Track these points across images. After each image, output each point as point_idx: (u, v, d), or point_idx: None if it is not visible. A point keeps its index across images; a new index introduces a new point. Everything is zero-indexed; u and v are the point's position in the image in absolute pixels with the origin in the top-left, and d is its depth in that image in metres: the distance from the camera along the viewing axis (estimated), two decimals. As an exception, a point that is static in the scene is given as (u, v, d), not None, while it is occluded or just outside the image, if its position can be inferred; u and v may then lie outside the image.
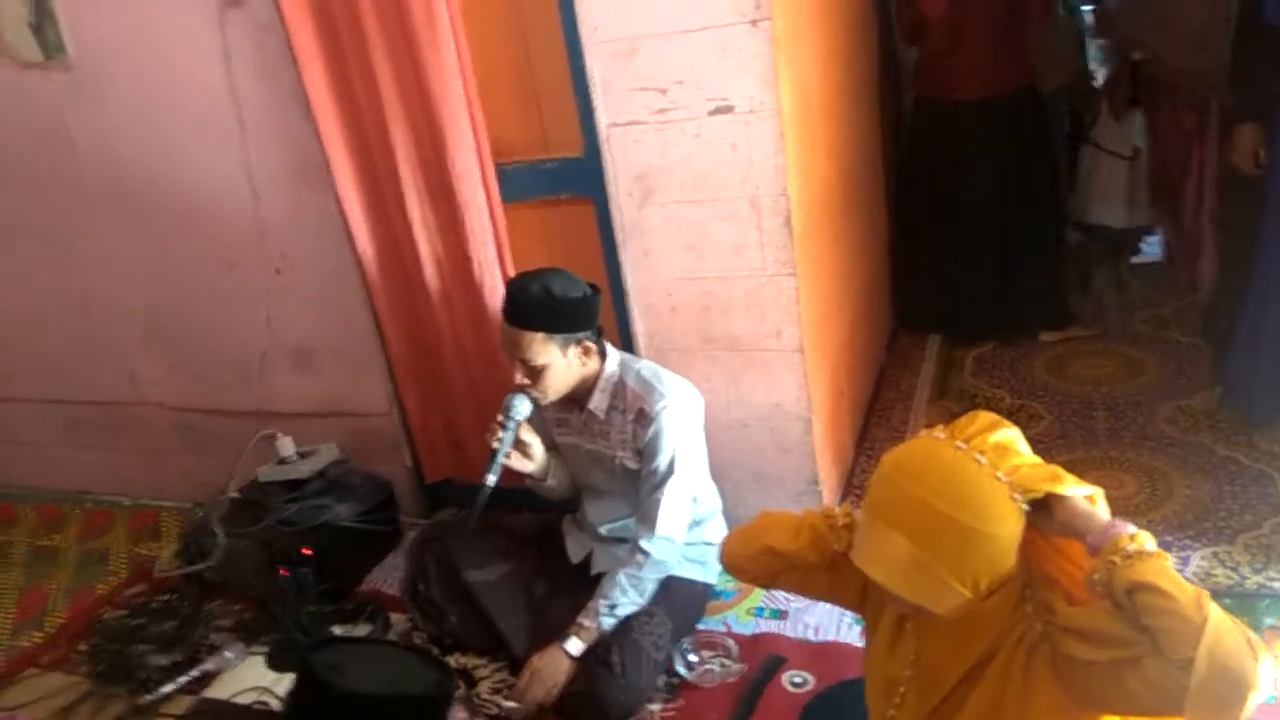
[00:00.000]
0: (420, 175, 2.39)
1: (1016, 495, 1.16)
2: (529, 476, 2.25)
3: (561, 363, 2.04)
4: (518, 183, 2.43)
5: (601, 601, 2.05)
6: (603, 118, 2.24)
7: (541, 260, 2.50)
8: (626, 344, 2.46)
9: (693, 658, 2.13)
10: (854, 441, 2.89)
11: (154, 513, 3.13)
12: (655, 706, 2.05)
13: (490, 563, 2.27)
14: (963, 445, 1.18)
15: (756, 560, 1.48)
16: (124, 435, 3.21)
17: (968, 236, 3.32)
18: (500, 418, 2.11)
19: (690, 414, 2.13)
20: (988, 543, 1.14)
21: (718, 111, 2.14)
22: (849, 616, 2.18)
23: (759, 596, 2.32)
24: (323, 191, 2.50)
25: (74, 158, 2.77)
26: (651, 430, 2.06)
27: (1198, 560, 2.22)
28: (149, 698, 2.24)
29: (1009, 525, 1.16)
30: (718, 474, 2.32)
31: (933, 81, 3.32)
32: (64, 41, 2.62)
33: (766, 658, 2.12)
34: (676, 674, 2.11)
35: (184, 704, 2.24)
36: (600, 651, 2.03)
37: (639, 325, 2.43)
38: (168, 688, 2.26)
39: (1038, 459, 1.24)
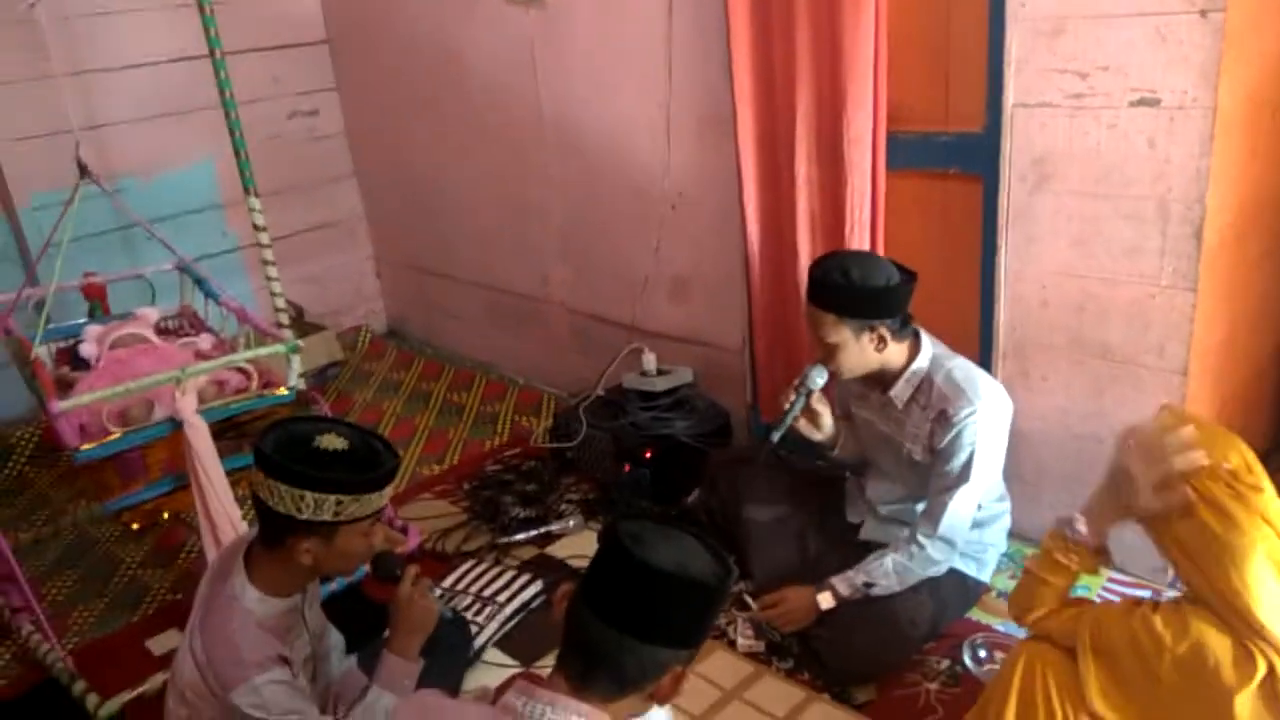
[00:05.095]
0: (814, 135, 2.49)
1: None
2: (822, 443, 2.34)
3: (854, 345, 2.07)
4: (909, 152, 2.45)
5: (862, 577, 2.12)
6: (1010, 95, 2.18)
7: (917, 231, 2.53)
8: (986, 332, 2.41)
9: (983, 653, 2.10)
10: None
11: (538, 393, 3.66)
12: (933, 686, 2.07)
13: (772, 501, 2.42)
14: None
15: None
16: (528, 325, 3.76)
17: None
18: (795, 383, 2.22)
19: (997, 425, 2.07)
20: None
21: (1141, 103, 2.00)
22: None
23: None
24: (725, 141, 2.71)
25: (534, 84, 3.26)
26: (952, 434, 2.04)
27: None
28: (505, 539, 2.69)
29: None
30: (1040, 478, 2.23)
31: None
32: (543, -17, 3.08)
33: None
34: (964, 665, 2.11)
35: (530, 552, 2.66)
36: (854, 608, 2.10)
37: (1003, 314, 2.36)
38: (520, 535, 2.70)
39: None
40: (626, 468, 2.85)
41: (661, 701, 1.24)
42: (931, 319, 2.29)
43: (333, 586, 2.29)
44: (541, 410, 3.52)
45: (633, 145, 3.03)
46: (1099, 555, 1.56)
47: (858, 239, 2.49)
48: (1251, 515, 1.36)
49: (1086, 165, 2.11)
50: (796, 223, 2.61)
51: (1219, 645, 1.35)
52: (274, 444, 1.50)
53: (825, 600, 2.15)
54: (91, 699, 2.13)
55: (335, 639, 1.87)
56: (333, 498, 1.48)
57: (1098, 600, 2.09)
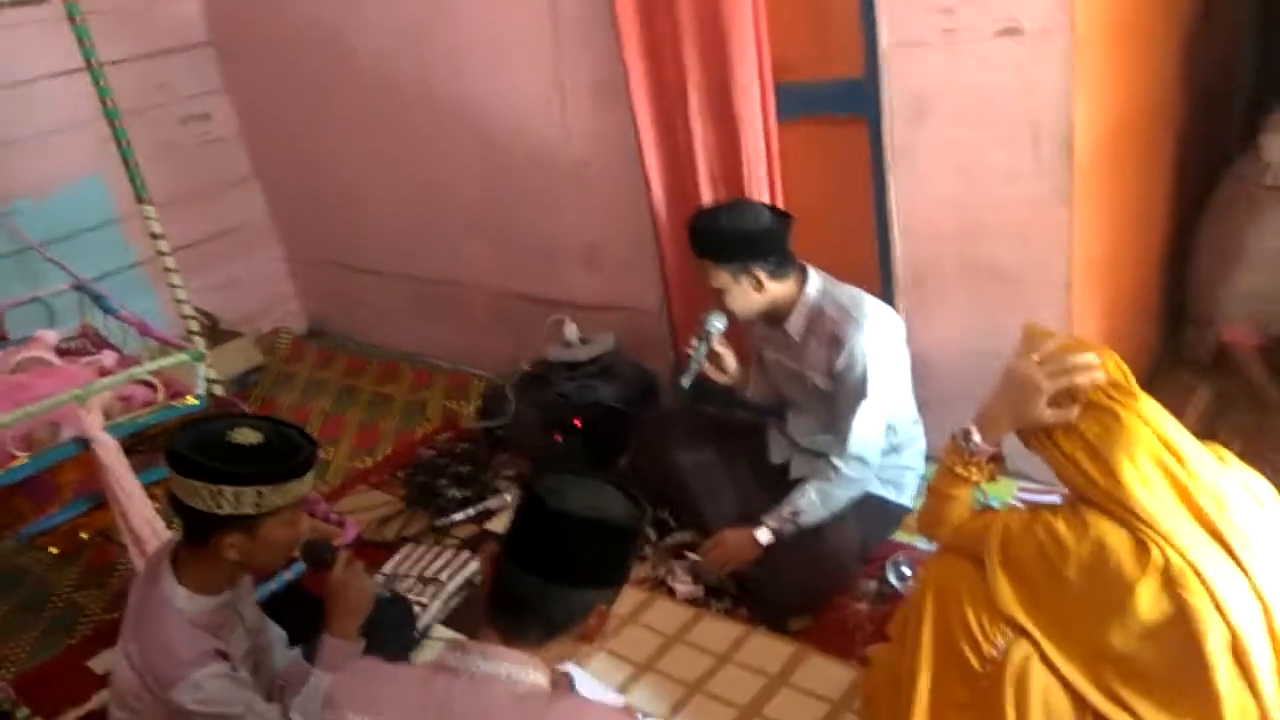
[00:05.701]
0: (704, 92, 2.54)
1: None
2: (732, 386, 2.44)
3: (736, 288, 2.18)
4: (797, 101, 2.52)
5: (788, 508, 2.21)
6: (885, 37, 2.25)
7: (814, 177, 2.61)
8: (885, 266, 2.50)
9: (906, 570, 2.21)
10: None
11: (466, 377, 3.67)
12: (863, 606, 2.18)
13: (697, 449, 2.50)
14: None
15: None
16: (449, 309, 3.76)
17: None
18: (696, 330, 2.33)
19: (886, 341, 2.17)
20: None
21: (1005, 33, 2.09)
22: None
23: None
24: (619, 105, 2.74)
25: (425, 64, 3.24)
26: (845, 355, 2.14)
27: None
28: (443, 521, 2.72)
29: None
30: (948, 401, 2.33)
31: None
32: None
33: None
34: (889, 584, 2.21)
35: (470, 531, 2.69)
36: (785, 544, 2.19)
37: (899, 248, 2.46)
38: (458, 516, 2.73)
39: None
40: (557, 437, 2.89)
41: (590, 640, 1.30)
42: (834, 259, 2.38)
43: (273, 586, 2.29)
44: (471, 393, 3.53)
45: (530, 117, 3.04)
46: (996, 463, 1.65)
47: (757, 190, 2.55)
48: (1132, 417, 1.46)
49: (961, 98, 2.20)
50: (698, 180, 2.67)
51: (1117, 540, 1.42)
52: (188, 444, 1.51)
53: (763, 535, 2.23)
54: (36, 723, 2.12)
55: (276, 633, 1.89)
56: (252, 490, 1.49)
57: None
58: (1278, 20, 3.08)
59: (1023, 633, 1.50)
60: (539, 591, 1.24)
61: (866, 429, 2.18)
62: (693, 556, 2.38)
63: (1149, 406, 1.48)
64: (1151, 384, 2.70)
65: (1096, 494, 1.46)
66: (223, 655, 1.58)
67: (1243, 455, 2.58)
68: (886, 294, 2.49)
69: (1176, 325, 2.96)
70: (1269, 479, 2.45)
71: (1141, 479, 1.43)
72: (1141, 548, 1.41)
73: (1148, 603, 1.40)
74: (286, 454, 1.54)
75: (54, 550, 2.57)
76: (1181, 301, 2.90)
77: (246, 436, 1.52)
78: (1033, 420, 1.51)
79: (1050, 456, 1.53)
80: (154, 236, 2.54)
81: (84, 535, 2.29)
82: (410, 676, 1.25)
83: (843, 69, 2.42)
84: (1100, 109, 2.19)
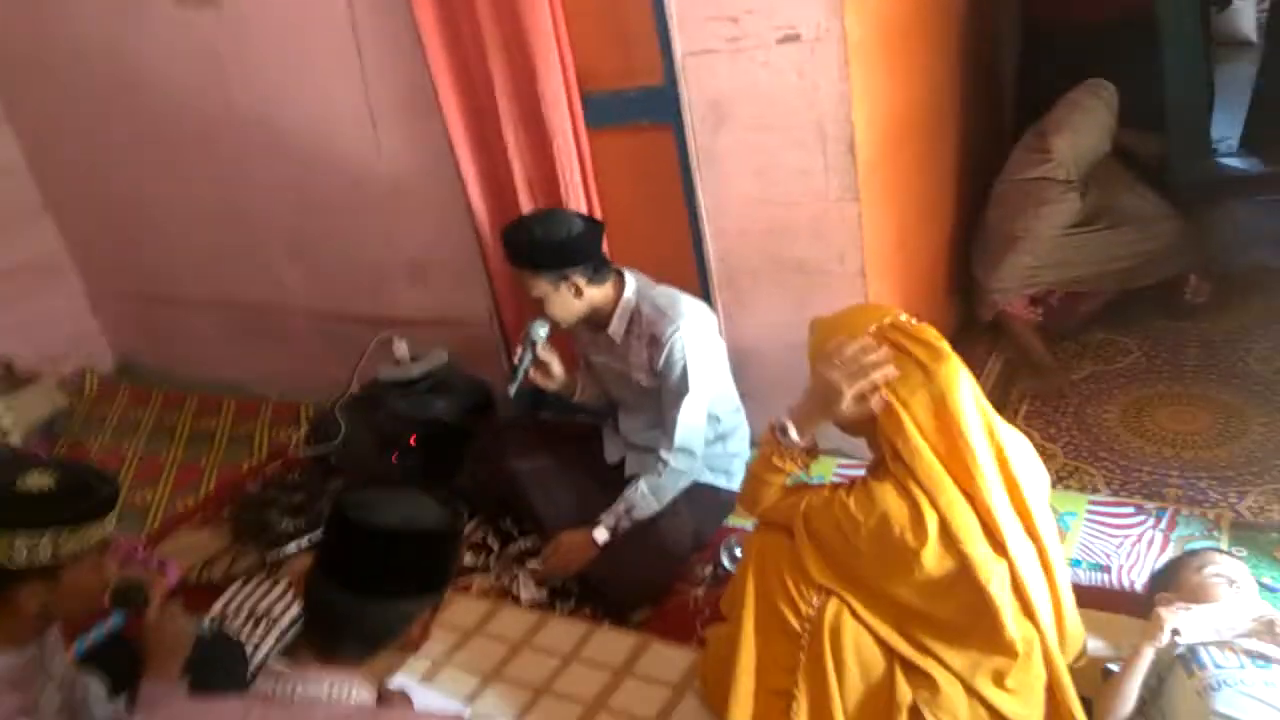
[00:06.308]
0: (514, 104, 2.59)
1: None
2: (560, 391, 2.49)
3: (555, 295, 2.25)
4: (605, 110, 2.59)
5: (623, 505, 2.29)
6: (679, 47, 2.36)
7: (628, 183, 2.68)
8: (700, 266, 2.61)
9: (738, 551, 2.31)
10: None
11: (295, 405, 3.54)
12: (699, 591, 2.26)
13: (534, 455, 2.54)
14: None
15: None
16: (271, 336, 3.63)
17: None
18: (521, 338, 2.38)
19: (702, 337, 2.28)
20: None
21: (786, 40, 2.23)
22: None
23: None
24: (432, 119, 2.74)
25: (223, 87, 3.13)
26: (664, 353, 2.24)
27: (1254, 497, 2.20)
28: (275, 554, 2.62)
29: None
30: (769, 389, 2.46)
31: None
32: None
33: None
34: (723, 566, 2.30)
35: (305, 561, 2.60)
36: (623, 540, 2.27)
37: (711, 247, 2.57)
38: (291, 548, 2.64)
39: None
40: (393, 458, 2.85)
41: (414, 648, 1.31)
42: (652, 260, 2.47)
43: (92, 637, 2.16)
44: (300, 421, 3.42)
45: (340, 136, 2.99)
46: (809, 453, 1.75)
47: (573, 198, 2.61)
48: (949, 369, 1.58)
49: (753, 103, 2.33)
50: (516, 189, 2.70)
51: (899, 513, 1.55)
52: (-32, 493, 1.41)
53: (600, 534, 2.28)
54: None
55: (94, 687, 1.78)
56: (46, 537, 1.41)
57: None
58: (1035, 28, 3.42)
59: (834, 594, 1.61)
60: (358, 609, 1.23)
61: (690, 422, 2.27)
62: (533, 565, 2.40)
63: (956, 365, 1.60)
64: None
65: (916, 460, 1.55)
66: (28, 715, 1.48)
67: (1030, 414, 2.85)
68: (704, 292, 2.60)
69: (966, 296, 3.22)
70: (1051, 434, 2.71)
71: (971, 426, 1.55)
72: (918, 517, 1.54)
73: (932, 561, 1.54)
74: (81, 496, 1.46)
75: None
76: (968, 275, 3.17)
77: (36, 481, 1.43)
78: (840, 417, 1.63)
79: (871, 436, 1.64)
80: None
81: None
82: (226, 710, 1.22)
83: (645, 77, 2.50)
84: (879, 109, 2.37)
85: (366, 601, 1.23)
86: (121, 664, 1.95)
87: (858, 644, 1.59)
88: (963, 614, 1.57)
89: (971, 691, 1.57)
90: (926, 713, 1.56)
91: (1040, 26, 3.29)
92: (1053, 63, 3.27)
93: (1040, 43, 3.31)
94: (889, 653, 1.60)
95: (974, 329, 3.15)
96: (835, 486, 1.67)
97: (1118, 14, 3.12)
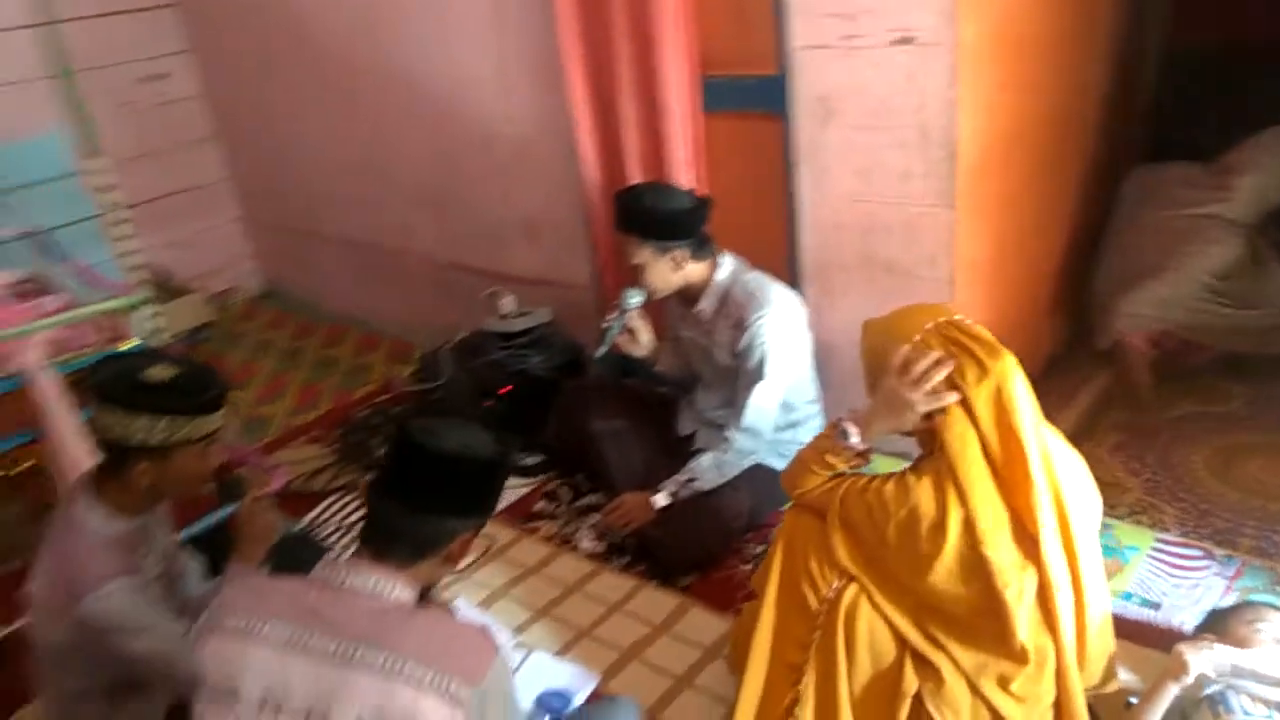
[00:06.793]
0: (634, 80, 2.70)
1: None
2: (645, 359, 2.61)
3: (656, 265, 2.35)
4: (720, 94, 2.67)
5: (686, 474, 2.39)
6: (794, 39, 2.41)
7: (735, 168, 2.76)
8: (792, 256, 2.67)
9: (631, 301, 2.47)
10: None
11: (409, 344, 3.81)
12: (747, 567, 2.35)
13: (614, 418, 2.67)
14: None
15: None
16: (396, 278, 3.90)
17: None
18: (614, 305, 2.50)
19: (785, 327, 2.34)
20: None
21: (899, 42, 2.25)
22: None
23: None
24: (557, 90, 2.89)
25: (375, 39, 3.37)
26: (746, 338, 2.31)
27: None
28: (369, 477, 2.85)
29: None
30: (847, 384, 2.49)
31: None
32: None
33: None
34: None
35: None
36: (682, 508, 2.37)
37: (805, 239, 2.63)
38: (384, 472, 2.87)
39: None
40: (487, 403, 3.04)
41: (455, 564, 1.46)
42: (747, 245, 2.55)
43: (198, 526, 2.43)
44: (411, 359, 3.67)
45: (475, 95, 3.18)
46: (862, 456, 1.78)
47: (680, 174, 2.71)
48: (1004, 366, 1.59)
49: (860, 101, 2.37)
50: (625, 163, 2.82)
51: (928, 509, 1.59)
52: (104, 376, 1.65)
53: (660, 499, 2.40)
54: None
55: (192, 564, 2.03)
56: (162, 421, 1.64)
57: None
58: (1183, 50, 3.25)
59: (855, 580, 1.68)
60: (410, 519, 1.39)
61: (761, 404, 2.35)
62: (596, 520, 2.55)
63: (1012, 361, 1.61)
64: (1048, 374, 2.92)
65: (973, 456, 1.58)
66: (133, 575, 1.72)
67: (1116, 448, 2.79)
68: (793, 281, 2.66)
69: (1073, 322, 3.14)
70: (1134, 468, 2.65)
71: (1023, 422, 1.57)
72: (943, 517, 1.57)
73: (951, 560, 1.58)
74: (196, 390, 1.68)
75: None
76: (1078, 300, 3.08)
77: (159, 373, 1.66)
78: (911, 426, 1.66)
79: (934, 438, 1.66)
80: (99, 191, 2.66)
81: (19, 465, 2.40)
82: (288, 587, 1.40)
83: (761, 66, 2.57)
84: (986, 120, 2.37)
85: (417, 514, 1.38)
86: (221, 552, 2.22)
87: (871, 629, 1.65)
88: (976, 614, 1.61)
89: (976, 691, 1.61)
90: (929, 704, 1.62)
91: (1190, 48, 3.14)
92: (1201, 87, 3.12)
93: (1189, 67, 3.17)
94: (901, 642, 1.66)
95: (1076, 357, 3.08)
96: (876, 476, 1.73)
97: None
